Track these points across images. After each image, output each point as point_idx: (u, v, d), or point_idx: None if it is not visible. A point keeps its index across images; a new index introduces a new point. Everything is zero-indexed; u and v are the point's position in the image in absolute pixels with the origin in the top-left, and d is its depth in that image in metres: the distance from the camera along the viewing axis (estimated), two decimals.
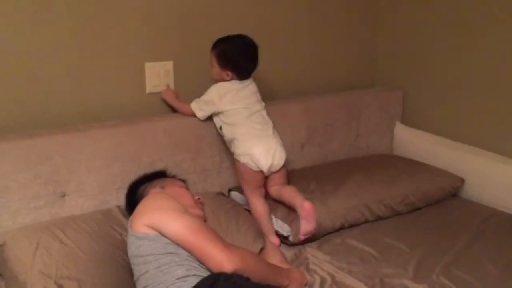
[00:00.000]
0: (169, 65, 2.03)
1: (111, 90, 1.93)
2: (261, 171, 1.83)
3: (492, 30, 2.16)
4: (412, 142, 2.48)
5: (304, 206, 1.68)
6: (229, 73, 1.86)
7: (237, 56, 1.85)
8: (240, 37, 1.87)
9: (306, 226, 1.68)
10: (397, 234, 1.88)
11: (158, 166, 1.85)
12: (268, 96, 2.23)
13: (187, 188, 1.71)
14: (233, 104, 1.85)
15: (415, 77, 2.52)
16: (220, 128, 1.90)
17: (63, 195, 1.73)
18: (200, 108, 1.91)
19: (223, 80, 1.87)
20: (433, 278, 1.60)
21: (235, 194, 2.04)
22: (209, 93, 1.88)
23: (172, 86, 2.06)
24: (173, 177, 1.78)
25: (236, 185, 2.05)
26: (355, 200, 1.94)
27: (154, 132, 1.88)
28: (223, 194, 1.99)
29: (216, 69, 1.87)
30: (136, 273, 1.34)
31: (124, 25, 1.91)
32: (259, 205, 1.84)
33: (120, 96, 1.95)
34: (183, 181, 1.76)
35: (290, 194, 1.81)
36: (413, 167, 2.29)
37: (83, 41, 1.83)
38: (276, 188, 1.87)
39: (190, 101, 1.95)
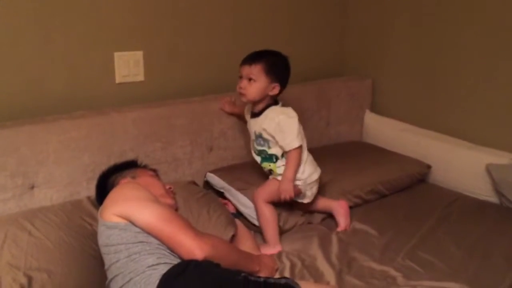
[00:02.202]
0: (139, 54, 2.02)
1: (80, 80, 1.91)
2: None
3: (456, 20, 2.22)
4: (381, 129, 2.53)
5: (342, 205, 1.89)
6: (277, 85, 1.75)
7: (287, 69, 1.79)
8: (278, 53, 1.81)
9: (345, 222, 1.87)
10: (366, 220, 1.93)
11: (129, 156, 1.85)
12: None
13: (158, 178, 1.71)
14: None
15: (383, 66, 2.57)
16: (283, 155, 1.78)
17: (32, 187, 1.71)
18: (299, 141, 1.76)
19: (263, 96, 1.75)
20: (399, 260, 1.66)
21: (211, 176, 2.04)
22: (293, 124, 1.74)
23: (142, 76, 2.05)
24: (144, 167, 1.77)
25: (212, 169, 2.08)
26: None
27: (124, 122, 1.87)
28: (194, 183, 1.99)
29: (259, 84, 1.73)
30: (107, 262, 1.34)
31: (93, 14, 1.88)
32: (270, 211, 1.78)
33: (89, 86, 1.93)
34: (154, 170, 1.76)
35: (319, 199, 1.90)
36: (382, 155, 2.34)
37: (49, 29, 1.80)
38: None
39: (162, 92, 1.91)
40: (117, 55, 1.96)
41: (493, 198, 2.09)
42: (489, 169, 2.06)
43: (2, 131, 1.64)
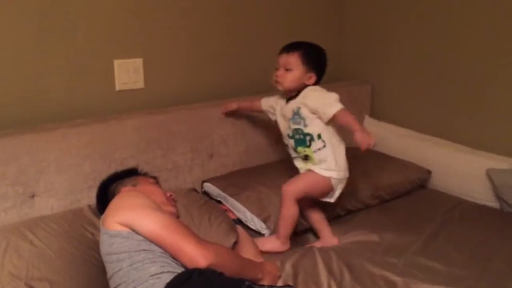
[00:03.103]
0: (138, 62, 2.02)
1: (80, 88, 1.90)
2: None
3: (458, 25, 2.23)
4: (381, 135, 2.52)
5: (333, 241, 1.82)
6: (313, 75, 1.75)
7: (324, 60, 1.80)
8: (316, 45, 1.82)
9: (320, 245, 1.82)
10: (366, 224, 1.93)
11: (129, 164, 1.84)
12: (242, 92, 2.25)
13: (159, 185, 1.71)
14: None
15: (383, 71, 2.58)
16: (319, 136, 1.73)
17: (33, 196, 1.70)
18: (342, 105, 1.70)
19: (298, 85, 1.75)
20: (399, 265, 1.66)
21: (207, 185, 2.04)
22: (332, 93, 1.72)
23: (142, 83, 2.04)
24: (145, 174, 1.77)
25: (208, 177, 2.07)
26: None
27: (125, 129, 1.87)
28: (195, 190, 1.99)
29: (296, 73, 1.73)
30: (109, 271, 1.33)
31: (93, 21, 1.88)
32: (295, 211, 1.76)
33: (89, 94, 1.93)
34: (155, 178, 1.76)
35: (319, 221, 1.86)
36: (382, 161, 2.34)
37: (49, 37, 1.80)
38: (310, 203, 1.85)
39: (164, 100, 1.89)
40: (117, 62, 1.96)
41: (493, 203, 2.10)
42: (489, 174, 2.07)
43: (2, 139, 1.64)
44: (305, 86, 1.76)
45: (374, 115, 2.63)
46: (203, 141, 2.08)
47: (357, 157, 2.37)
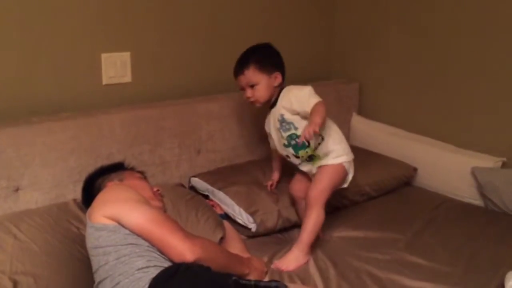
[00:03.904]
0: (126, 55, 2.00)
1: (66, 81, 1.88)
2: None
3: (444, 24, 2.25)
4: (368, 132, 2.55)
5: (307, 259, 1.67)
6: (277, 74, 1.73)
7: (275, 53, 1.77)
8: (257, 46, 1.79)
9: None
10: (352, 221, 1.94)
11: (116, 159, 1.82)
12: (230, 88, 2.24)
13: (146, 180, 1.69)
14: None
15: (371, 69, 2.59)
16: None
17: (17, 189, 1.68)
18: (318, 98, 1.65)
19: (271, 92, 1.73)
20: (385, 262, 1.67)
21: (195, 180, 2.04)
22: (305, 88, 1.68)
23: (129, 77, 2.03)
24: (131, 169, 1.75)
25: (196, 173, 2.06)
26: None
27: (111, 124, 1.85)
28: (182, 186, 1.98)
29: (263, 84, 1.71)
30: (95, 265, 1.32)
31: (80, 14, 1.85)
32: (323, 215, 1.69)
33: (76, 87, 1.91)
34: (142, 173, 1.74)
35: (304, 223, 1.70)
36: (368, 158, 2.35)
37: (35, 29, 1.77)
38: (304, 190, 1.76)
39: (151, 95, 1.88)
40: (104, 56, 1.94)
41: (478, 201, 2.13)
42: (474, 173, 2.09)
43: None
44: (277, 88, 1.74)
45: (362, 113, 2.65)
46: (191, 137, 2.07)
47: None
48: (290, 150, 1.74)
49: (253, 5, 2.35)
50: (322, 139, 1.69)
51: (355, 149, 2.45)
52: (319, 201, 1.67)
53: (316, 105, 1.61)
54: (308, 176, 1.80)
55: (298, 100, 1.66)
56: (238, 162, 2.20)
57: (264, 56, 1.74)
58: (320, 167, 1.72)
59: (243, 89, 1.76)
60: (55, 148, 1.73)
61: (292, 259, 1.63)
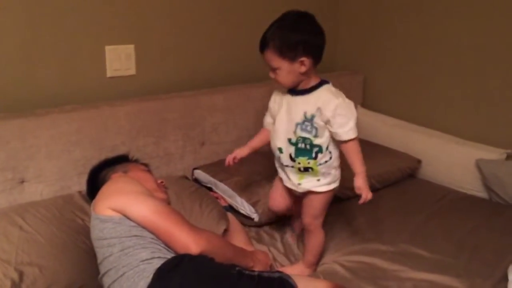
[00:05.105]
0: (130, 48, 2.00)
1: (70, 74, 1.88)
2: None
3: (448, 17, 2.23)
4: (372, 124, 2.54)
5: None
6: (304, 59, 1.39)
7: (305, 31, 1.41)
8: (284, 18, 1.44)
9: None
10: (356, 213, 1.94)
11: (120, 151, 1.83)
12: (234, 79, 2.24)
13: (150, 172, 1.70)
14: None
15: (375, 61, 2.58)
16: (327, 148, 1.48)
17: (22, 181, 1.69)
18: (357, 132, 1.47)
19: (297, 78, 1.43)
20: (388, 253, 1.67)
21: (198, 172, 2.04)
22: (354, 110, 1.45)
23: (133, 70, 2.03)
24: (136, 161, 1.76)
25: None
26: None
27: (116, 116, 1.86)
28: (186, 178, 1.99)
29: (283, 70, 1.41)
30: (100, 256, 1.33)
31: (84, 6, 1.85)
32: (323, 235, 1.61)
33: (80, 80, 1.91)
34: (146, 165, 1.75)
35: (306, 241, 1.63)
36: (373, 150, 2.34)
37: (39, 22, 1.77)
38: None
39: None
40: (108, 48, 1.94)
41: (482, 193, 2.12)
42: (478, 165, 2.09)
43: None
44: (307, 74, 1.43)
45: (366, 105, 2.64)
46: (195, 129, 2.07)
47: None
48: (290, 149, 1.50)
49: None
50: (330, 157, 1.49)
51: (359, 141, 2.48)
52: (316, 227, 1.58)
53: (354, 142, 1.44)
54: (290, 191, 1.61)
55: (341, 116, 1.41)
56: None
57: (289, 37, 1.38)
58: (310, 192, 1.53)
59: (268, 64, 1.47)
60: (60, 140, 1.74)
61: (297, 269, 1.59)
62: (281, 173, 1.60)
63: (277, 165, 1.62)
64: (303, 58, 1.39)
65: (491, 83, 2.13)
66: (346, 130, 1.42)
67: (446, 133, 2.29)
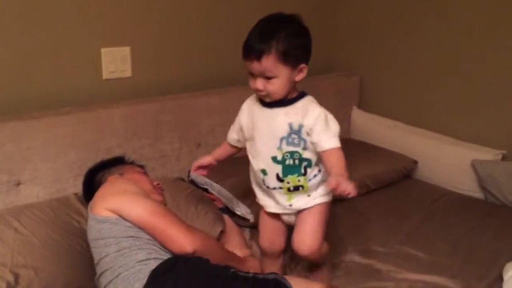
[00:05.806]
0: (126, 50, 2.00)
1: (66, 76, 1.88)
2: None
3: (444, 18, 2.24)
4: (368, 126, 2.55)
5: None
6: (304, 67, 1.30)
7: (306, 36, 1.32)
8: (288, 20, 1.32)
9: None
10: (352, 213, 1.94)
11: (116, 153, 1.83)
12: (225, 82, 2.24)
13: (146, 174, 1.70)
14: None
15: (371, 63, 2.59)
16: (316, 162, 1.37)
17: (18, 184, 1.69)
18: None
19: (291, 86, 1.31)
20: (384, 254, 1.68)
21: (195, 174, 2.03)
22: (334, 122, 1.33)
23: (129, 72, 2.03)
24: (131, 163, 1.76)
25: None
26: None
27: (111, 118, 1.86)
28: (182, 179, 1.99)
29: (284, 75, 1.27)
30: (96, 256, 1.33)
31: (79, 9, 1.86)
32: (325, 249, 1.49)
33: (76, 82, 1.91)
34: (142, 167, 1.75)
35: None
36: (369, 151, 2.36)
37: (35, 24, 1.77)
38: None
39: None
40: (104, 51, 1.94)
41: (478, 194, 2.13)
42: (474, 165, 2.09)
43: None
44: (295, 83, 1.33)
45: (362, 106, 2.64)
46: (191, 131, 2.07)
47: (343, 148, 2.40)
48: (276, 169, 1.35)
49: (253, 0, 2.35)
50: (319, 170, 1.38)
51: (355, 143, 2.50)
52: (317, 250, 1.40)
53: (338, 150, 1.30)
54: (281, 226, 1.47)
55: (322, 125, 1.30)
56: (238, 155, 2.20)
57: (294, 42, 1.27)
58: (304, 210, 1.39)
59: (252, 75, 1.30)
60: (56, 143, 1.74)
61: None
62: (265, 200, 1.43)
63: (258, 191, 1.45)
64: (303, 65, 1.30)
65: (487, 84, 2.14)
66: (328, 137, 1.29)
67: (441, 134, 2.29)
